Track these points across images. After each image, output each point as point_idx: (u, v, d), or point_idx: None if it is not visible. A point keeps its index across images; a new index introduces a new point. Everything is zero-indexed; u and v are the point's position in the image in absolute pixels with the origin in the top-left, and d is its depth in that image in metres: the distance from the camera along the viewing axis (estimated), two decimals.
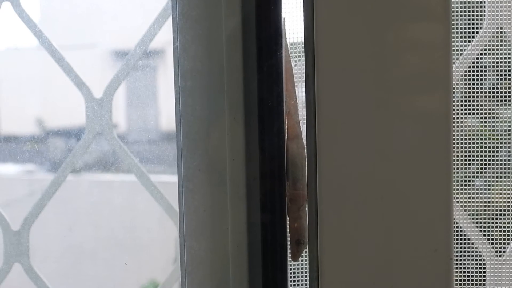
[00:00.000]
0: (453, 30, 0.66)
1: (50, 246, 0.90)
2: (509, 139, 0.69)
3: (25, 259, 0.76)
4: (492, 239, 0.69)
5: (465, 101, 0.68)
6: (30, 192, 0.92)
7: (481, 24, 0.67)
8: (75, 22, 0.87)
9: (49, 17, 0.87)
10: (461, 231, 0.69)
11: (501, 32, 0.67)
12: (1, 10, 0.74)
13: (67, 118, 0.88)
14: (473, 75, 0.68)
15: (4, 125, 0.91)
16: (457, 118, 0.68)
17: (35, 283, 0.76)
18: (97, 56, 0.90)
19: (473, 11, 0.67)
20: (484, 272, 0.69)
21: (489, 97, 0.68)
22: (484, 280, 0.69)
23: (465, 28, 0.67)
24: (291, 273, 0.65)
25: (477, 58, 0.68)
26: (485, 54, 0.68)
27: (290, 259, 0.60)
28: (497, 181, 0.69)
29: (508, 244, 0.69)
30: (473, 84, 0.68)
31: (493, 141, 0.68)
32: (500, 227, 0.69)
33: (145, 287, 0.95)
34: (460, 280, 0.68)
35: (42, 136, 0.89)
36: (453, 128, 0.67)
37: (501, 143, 0.69)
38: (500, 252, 0.69)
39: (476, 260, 0.69)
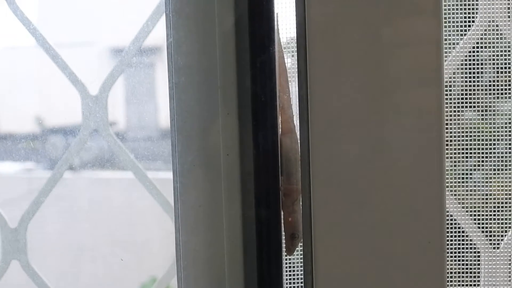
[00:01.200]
0: (446, 24, 0.66)
1: (48, 243, 0.90)
2: (507, 133, 0.69)
3: (23, 256, 0.76)
4: (489, 232, 0.69)
5: (463, 95, 0.68)
6: (30, 190, 0.92)
7: (474, 17, 0.67)
8: (72, 20, 0.87)
9: (46, 15, 0.87)
10: (457, 224, 0.69)
11: (494, 25, 0.67)
12: None
13: (66, 116, 0.88)
14: (471, 69, 0.68)
15: (2, 124, 0.92)
16: (455, 112, 0.68)
17: (33, 280, 0.76)
18: (95, 54, 0.90)
19: (466, 4, 0.67)
20: (479, 264, 0.69)
21: (487, 90, 0.68)
22: (479, 272, 0.69)
23: (458, 21, 0.67)
24: (286, 267, 0.65)
25: (472, 52, 0.68)
26: (480, 47, 0.68)
27: (285, 253, 0.61)
28: (495, 175, 0.69)
29: (504, 236, 0.69)
30: (471, 77, 0.68)
31: (491, 135, 0.68)
32: (498, 220, 0.69)
33: (145, 285, 0.96)
34: (456, 272, 0.69)
35: (41, 134, 0.89)
36: (451, 122, 0.68)
37: (499, 137, 0.69)
38: (495, 244, 0.69)
39: (472, 252, 0.69)
